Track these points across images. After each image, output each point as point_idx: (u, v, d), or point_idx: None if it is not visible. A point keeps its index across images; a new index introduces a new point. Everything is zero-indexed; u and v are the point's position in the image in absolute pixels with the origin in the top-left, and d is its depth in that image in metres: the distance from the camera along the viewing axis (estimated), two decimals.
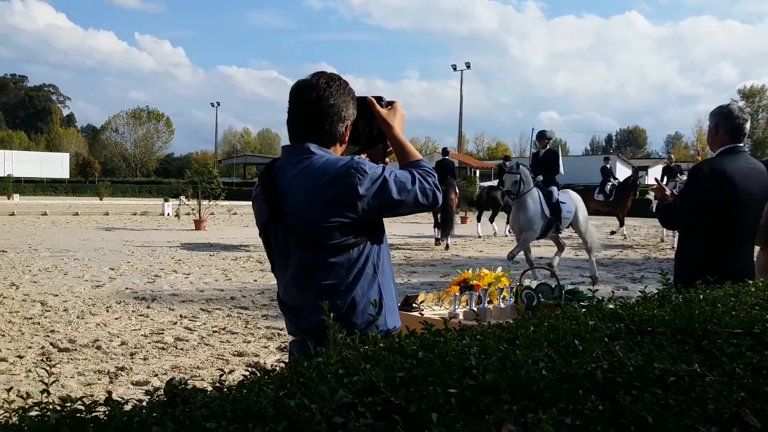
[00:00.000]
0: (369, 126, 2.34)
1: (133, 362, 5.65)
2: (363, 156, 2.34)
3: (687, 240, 4.12)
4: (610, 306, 1.83)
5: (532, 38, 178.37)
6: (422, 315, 4.23)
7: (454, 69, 65.34)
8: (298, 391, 1.07)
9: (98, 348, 6.04)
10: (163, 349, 6.10)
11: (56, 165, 61.56)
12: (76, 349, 5.97)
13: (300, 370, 1.18)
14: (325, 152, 2.17)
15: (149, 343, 6.30)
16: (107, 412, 1.02)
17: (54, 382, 1.05)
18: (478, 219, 20.77)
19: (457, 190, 18.83)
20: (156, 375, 5.32)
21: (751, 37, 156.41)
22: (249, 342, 6.40)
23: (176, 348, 6.14)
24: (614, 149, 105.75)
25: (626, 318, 1.61)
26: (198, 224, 20.84)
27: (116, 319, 7.33)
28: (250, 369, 1.23)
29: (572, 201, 11.28)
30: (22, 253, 13.26)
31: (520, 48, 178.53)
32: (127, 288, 9.44)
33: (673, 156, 23.67)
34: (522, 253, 10.59)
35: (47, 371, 1.24)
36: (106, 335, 6.53)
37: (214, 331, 6.82)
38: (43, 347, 6.00)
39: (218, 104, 78.09)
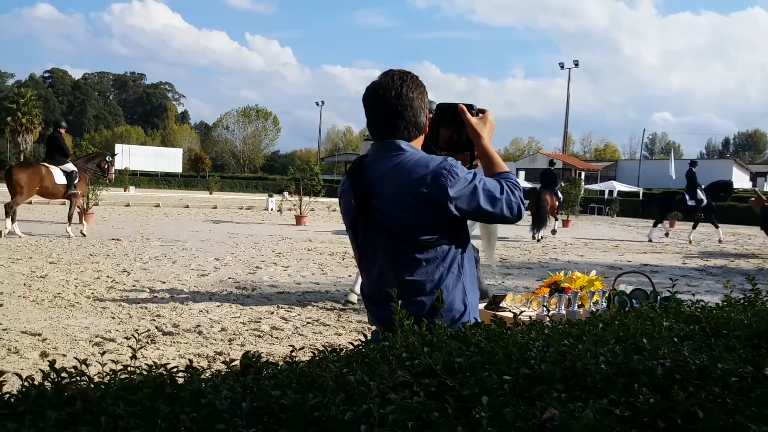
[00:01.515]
0: (458, 133, 2.36)
1: (230, 347, 5.92)
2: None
3: None
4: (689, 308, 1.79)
5: (646, 35, 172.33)
6: (494, 315, 4.20)
7: (561, 67, 63.96)
8: (360, 369, 1.13)
9: (199, 333, 6.35)
10: (259, 336, 6.35)
11: (170, 159, 64.68)
12: (179, 333, 6.30)
13: (365, 351, 1.24)
14: (415, 150, 2.23)
15: (247, 330, 6.57)
16: (186, 378, 1.12)
17: (140, 348, 1.16)
18: (655, 224, 20.87)
19: (559, 195, 20.12)
20: (230, 361, 5.54)
21: None
22: (340, 335, 6.55)
23: (271, 336, 6.38)
24: (731, 153, 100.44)
25: (703, 320, 1.57)
26: (299, 219, 21.44)
27: (218, 306, 7.68)
28: (321, 347, 1.31)
29: None
30: (134, 242, 14.08)
31: (633, 45, 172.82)
32: (229, 278, 9.85)
33: None
34: None
35: (136, 339, 1.36)
36: (208, 321, 6.86)
37: (308, 323, 7.03)
38: (148, 330, 6.37)
39: (323, 103, 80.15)
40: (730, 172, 58.54)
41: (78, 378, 1.04)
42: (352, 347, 1.31)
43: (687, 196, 19.76)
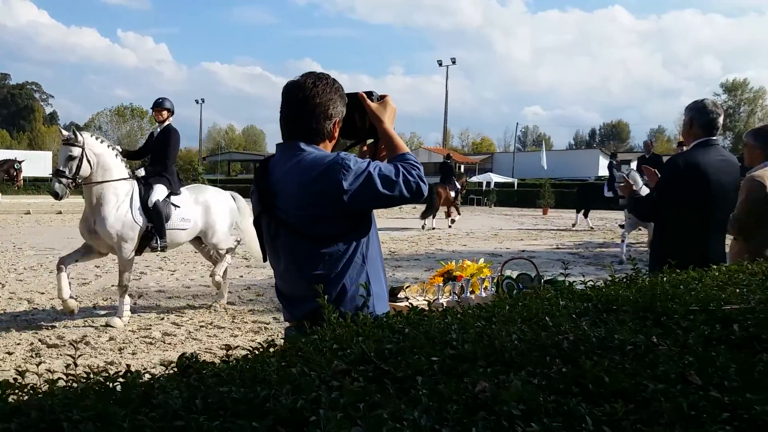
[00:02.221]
0: (362, 120, 2.46)
1: (122, 357, 5.73)
2: (365, 149, 2.50)
3: (661, 230, 4.29)
4: (581, 288, 1.97)
5: (516, 33, 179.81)
6: (411, 305, 4.36)
7: (440, 64, 65.66)
8: (298, 361, 1.19)
9: (87, 344, 6.09)
10: (151, 343, 6.19)
11: (38, 163, 60.42)
12: (64, 345, 6.01)
13: (298, 345, 1.30)
14: (314, 149, 2.28)
15: (137, 338, 6.37)
16: (124, 383, 1.14)
17: (80, 355, 1.17)
18: (582, 213, 22.35)
19: (457, 186, 21.47)
20: (146, 369, 5.39)
21: (734, 30, 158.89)
22: (236, 336, 6.50)
23: (164, 343, 6.23)
24: (597, 143, 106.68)
25: (594, 298, 1.75)
26: None
27: (103, 315, 7.39)
28: (252, 346, 1.36)
29: (204, 208, 7.89)
30: (6, 252, 13.24)
31: (504, 43, 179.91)
32: (112, 285, 9.46)
33: (652, 142, 22.28)
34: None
35: (75, 347, 1.35)
36: (94, 331, 6.60)
37: (201, 326, 6.92)
38: (32, 344, 6.05)
39: (202, 101, 78.09)
40: (597, 160, 62.09)
41: (19, 390, 1.05)
42: (283, 343, 1.37)
43: (605, 188, 21.09)
